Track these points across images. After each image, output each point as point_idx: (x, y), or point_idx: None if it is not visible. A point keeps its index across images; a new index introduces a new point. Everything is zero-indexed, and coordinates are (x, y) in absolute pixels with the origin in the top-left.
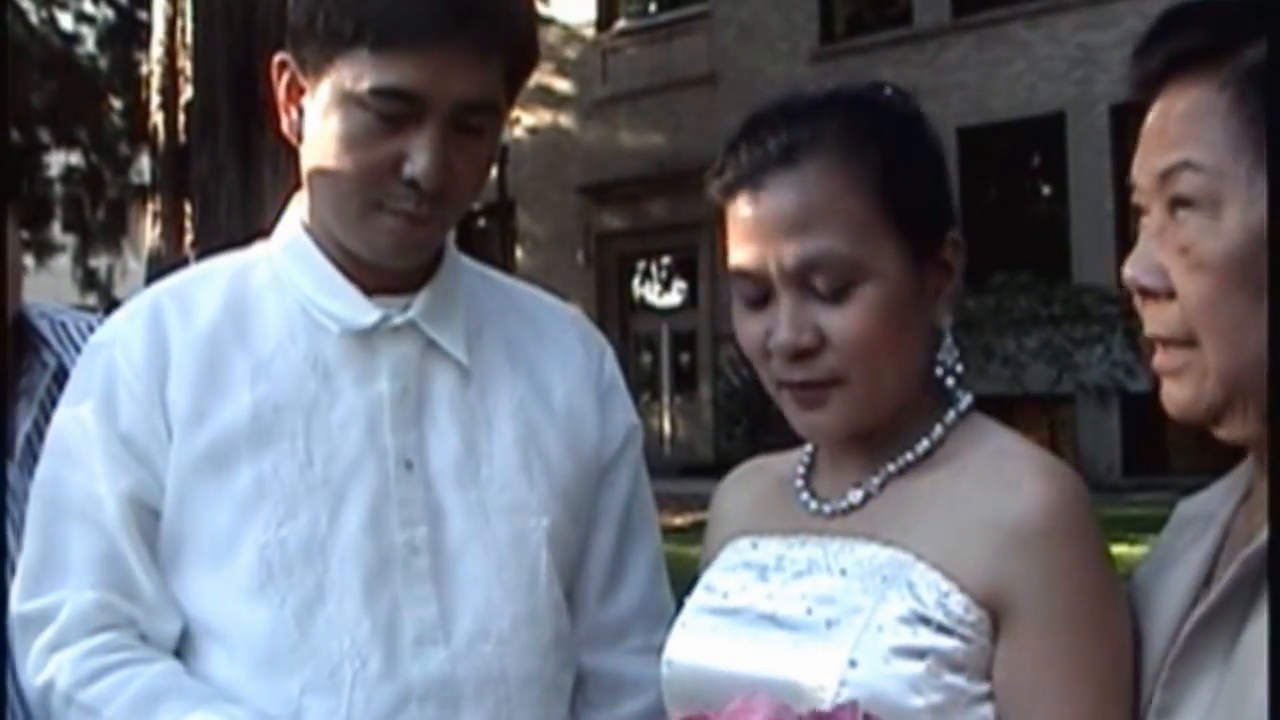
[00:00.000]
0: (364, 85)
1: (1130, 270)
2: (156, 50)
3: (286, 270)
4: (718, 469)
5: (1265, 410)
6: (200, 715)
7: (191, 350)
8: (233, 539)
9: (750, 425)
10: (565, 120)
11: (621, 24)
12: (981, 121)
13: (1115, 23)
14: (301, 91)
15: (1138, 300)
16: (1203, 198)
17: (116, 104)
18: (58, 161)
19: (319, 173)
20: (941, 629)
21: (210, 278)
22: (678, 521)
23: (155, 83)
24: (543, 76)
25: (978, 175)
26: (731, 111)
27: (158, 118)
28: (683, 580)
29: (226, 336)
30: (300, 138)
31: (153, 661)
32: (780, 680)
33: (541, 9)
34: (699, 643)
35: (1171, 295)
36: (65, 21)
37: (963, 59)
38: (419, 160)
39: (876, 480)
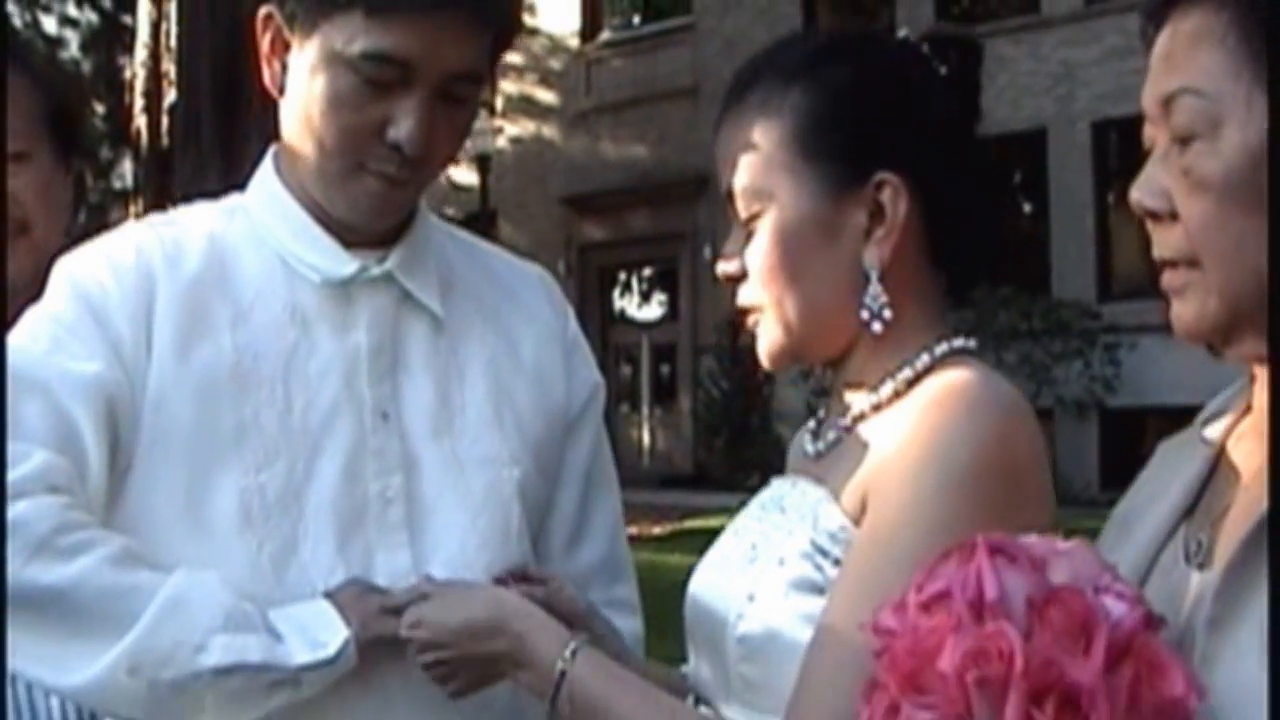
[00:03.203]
0: (355, 48)
1: (1136, 193)
2: (140, 54)
3: (264, 222)
4: (697, 481)
5: (1268, 331)
6: (184, 572)
7: (176, 293)
8: (210, 480)
9: (730, 437)
10: (548, 131)
11: (606, 35)
12: None
13: (1097, 39)
14: (286, 46)
15: (1149, 224)
16: (1202, 122)
17: (100, 108)
18: None
19: (302, 131)
20: (839, 563)
21: (191, 229)
22: (656, 531)
23: (139, 86)
24: (526, 87)
25: None
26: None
27: (141, 121)
28: (661, 588)
29: (209, 285)
30: (282, 91)
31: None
32: (706, 610)
33: (526, 19)
34: (699, 569)
35: (1174, 217)
36: (49, 25)
37: None
38: (404, 125)
39: (845, 422)
